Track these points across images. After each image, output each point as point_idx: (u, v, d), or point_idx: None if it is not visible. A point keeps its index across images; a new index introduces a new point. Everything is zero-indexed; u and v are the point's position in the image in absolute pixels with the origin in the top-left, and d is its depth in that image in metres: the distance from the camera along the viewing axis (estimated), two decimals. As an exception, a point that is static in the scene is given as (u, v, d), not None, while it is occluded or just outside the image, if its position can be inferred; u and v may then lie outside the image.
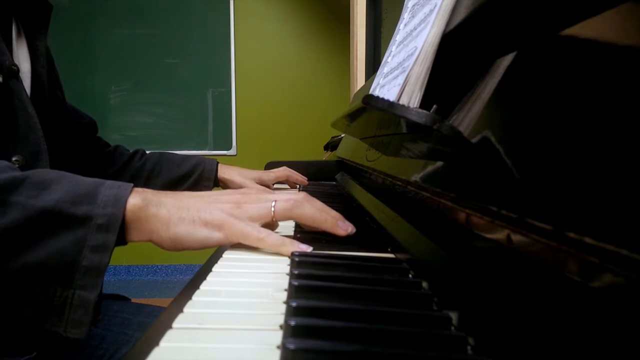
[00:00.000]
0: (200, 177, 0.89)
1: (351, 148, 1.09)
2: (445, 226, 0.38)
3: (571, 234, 0.20)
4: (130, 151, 0.94)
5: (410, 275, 0.41)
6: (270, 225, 0.48)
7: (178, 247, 0.42)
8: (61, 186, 0.38)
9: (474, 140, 0.33)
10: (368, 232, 0.57)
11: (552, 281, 0.22)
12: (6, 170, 0.38)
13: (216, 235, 0.42)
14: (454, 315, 0.30)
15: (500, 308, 0.26)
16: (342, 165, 1.27)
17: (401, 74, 0.41)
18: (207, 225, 0.42)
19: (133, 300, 0.81)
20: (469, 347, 0.27)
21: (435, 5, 0.40)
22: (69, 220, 0.37)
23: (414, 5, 0.49)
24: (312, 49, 3.16)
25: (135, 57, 2.99)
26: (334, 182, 1.28)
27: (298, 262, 0.41)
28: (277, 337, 0.27)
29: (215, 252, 0.46)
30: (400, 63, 0.45)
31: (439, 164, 0.41)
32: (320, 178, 1.29)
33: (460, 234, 0.35)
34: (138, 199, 0.41)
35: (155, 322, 0.28)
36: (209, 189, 0.89)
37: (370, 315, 0.30)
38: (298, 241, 0.45)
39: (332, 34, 3.12)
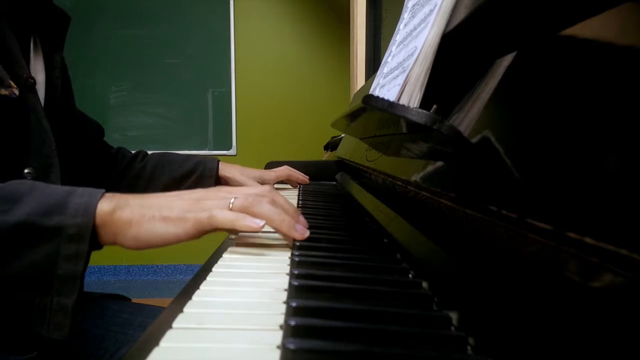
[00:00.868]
0: (202, 176, 0.90)
1: (351, 148, 1.09)
2: (445, 226, 0.38)
3: (571, 234, 0.20)
4: (133, 153, 0.94)
5: (410, 275, 0.41)
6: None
7: (140, 245, 0.42)
8: (32, 198, 0.39)
9: (474, 140, 0.33)
10: (368, 232, 0.57)
11: (552, 281, 0.22)
12: None
13: (173, 230, 0.42)
14: (454, 315, 0.30)
15: (500, 308, 0.26)
16: (342, 165, 1.27)
17: (401, 74, 0.41)
18: (166, 220, 0.42)
19: (133, 300, 0.81)
20: (469, 347, 0.27)
21: (435, 5, 0.40)
22: (41, 233, 0.38)
23: (414, 5, 0.49)
24: (312, 49, 3.16)
25: (135, 57, 2.99)
26: (334, 182, 1.28)
27: (298, 262, 0.41)
28: (277, 337, 0.27)
29: (215, 252, 0.46)
30: (400, 63, 0.45)
31: (439, 164, 0.41)
32: (320, 178, 1.29)
33: (460, 234, 0.35)
34: (106, 205, 0.41)
35: (155, 322, 0.28)
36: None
37: (370, 315, 0.30)
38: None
39: (332, 34, 3.12)
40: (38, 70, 0.68)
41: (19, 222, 0.37)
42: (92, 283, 2.92)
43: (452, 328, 0.30)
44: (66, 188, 0.42)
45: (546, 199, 0.23)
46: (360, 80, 2.03)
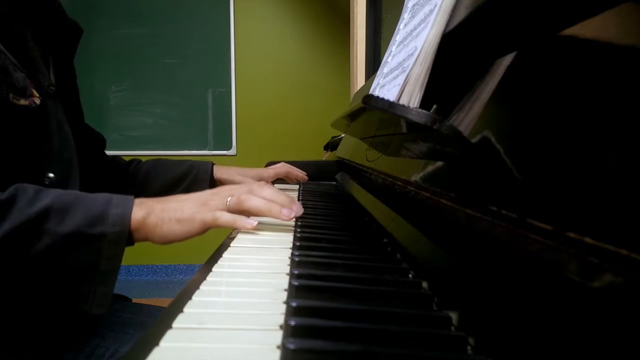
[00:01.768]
0: (195, 179, 0.90)
1: (351, 148, 1.09)
2: (445, 226, 0.38)
3: (571, 234, 0.20)
4: (126, 161, 0.95)
5: (410, 275, 0.41)
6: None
7: (166, 242, 0.52)
8: (78, 209, 0.48)
9: (474, 140, 0.33)
10: (368, 232, 0.57)
11: (552, 281, 0.22)
12: (34, 200, 0.47)
13: (185, 229, 0.52)
14: (454, 315, 0.30)
15: (500, 308, 0.26)
16: (342, 165, 1.27)
17: (401, 74, 0.41)
18: (180, 222, 0.52)
19: (133, 300, 0.81)
20: (469, 347, 0.27)
21: (435, 5, 0.40)
22: (88, 239, 0.48)
23: (414, 5, 0.49)
24: (312, 49, 3.16)
25: (135, 57, 2.99)
26: (334, 182, 1.28)
27: (298, 262, 0.41)
28: (277, 337, 0.27)
29: (215, 252, 0.46)
30: (400, 63, 0.45)
31: (439, 164, 0.41)
32: (320, 178, 1.29)
33: (460, 234, 0.35)
34: (138, 214, 0.51)
35: (155, 322, 0.28)
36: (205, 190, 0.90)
37: (370, 315, 0.30)
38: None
39: (332, 34, 3.11)
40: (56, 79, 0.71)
41: (70, 232, 0.47)
42: (92, 283, 2.91)
43: (452, 328, 0.30)
44: (103, 198, 0.50)
45: (546, 199, 0.23)
46: (360, 80, 2.03)
